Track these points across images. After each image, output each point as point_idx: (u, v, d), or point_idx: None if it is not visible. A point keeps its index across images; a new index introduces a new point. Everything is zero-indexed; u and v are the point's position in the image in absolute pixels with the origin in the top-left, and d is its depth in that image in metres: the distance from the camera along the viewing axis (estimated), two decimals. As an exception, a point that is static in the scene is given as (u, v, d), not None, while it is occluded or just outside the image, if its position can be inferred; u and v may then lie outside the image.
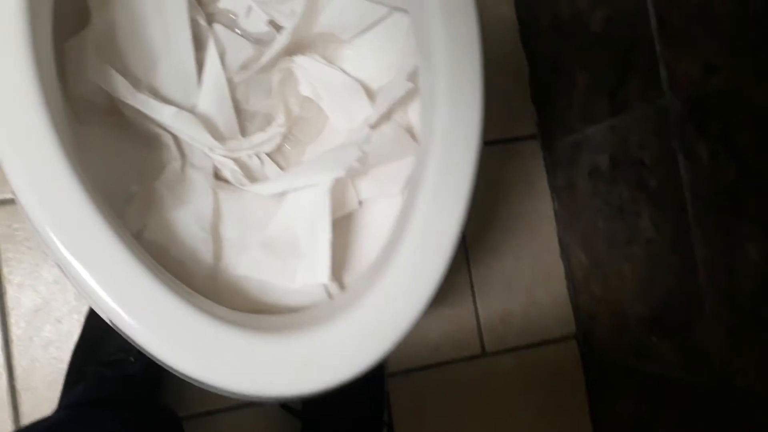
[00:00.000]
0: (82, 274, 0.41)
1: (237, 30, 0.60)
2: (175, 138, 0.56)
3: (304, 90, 0.61)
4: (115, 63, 0.53)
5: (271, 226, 0.55)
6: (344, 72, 0.59)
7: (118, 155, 0.53)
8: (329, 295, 0.52)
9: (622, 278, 0.77)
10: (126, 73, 0.53)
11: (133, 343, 0.44)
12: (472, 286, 0.87)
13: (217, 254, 0.54)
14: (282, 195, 0.56)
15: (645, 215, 0.71)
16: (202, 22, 0.57)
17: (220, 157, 0.57)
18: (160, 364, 0.43)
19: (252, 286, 0.52)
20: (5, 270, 0.72)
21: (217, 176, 0.57)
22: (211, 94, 0.56)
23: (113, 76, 0.51)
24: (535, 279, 0.89)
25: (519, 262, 0.89)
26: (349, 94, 0.59)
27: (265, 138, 0.60)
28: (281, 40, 0.57)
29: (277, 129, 0.59)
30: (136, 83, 0.54)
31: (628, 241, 0.75)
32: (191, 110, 0.56)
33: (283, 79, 0.59)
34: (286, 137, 0.61)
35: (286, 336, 0.42)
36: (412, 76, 0.54)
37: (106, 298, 0.41)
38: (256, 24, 0.59)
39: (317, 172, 0.53)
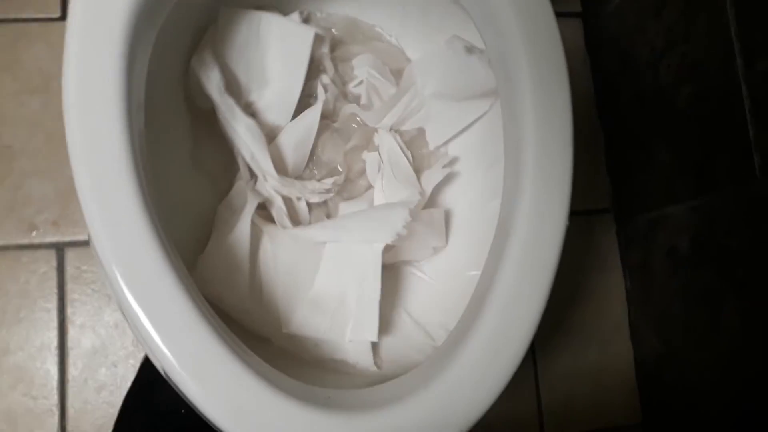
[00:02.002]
0: (151, 335, 0.40)
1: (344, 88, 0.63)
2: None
3: (366, 156, 0.62)
4: (226, 68, 0.56)
5: (317, 280, 0.55)
6: (410, 161, 0.60)
7: (192, 178, 0.54)
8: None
9: (700, 370, 0.72)
10: (232, 82, 0.55)
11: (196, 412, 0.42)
12: (534, 363, 0.83)
13: (257, 295, 0.54)
14: (322, 244, 0.56)
15: (730, 305, 0.66)
16: (325, 67, 0.60)
17: (271, 189, 0.57)
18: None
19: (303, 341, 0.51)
20: (69, 310, 0.72)
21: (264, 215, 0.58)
22: (298, 130, 0.58)
23: (213, 71, 0.54)
24: (602, 360, 0.84)
25: (586, 340, 0.84)
26: (404, 180, 0.59)
27: (318, 188, 0.60)
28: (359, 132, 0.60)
29: (333, 186, 0.59)
30: (237, 93, 0.56)
31: (709, 330, 0.70)
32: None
33: (357, 145, 0.59)
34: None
35: (355, 415, 0.40)
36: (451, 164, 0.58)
37: (168, 354, 0.40)
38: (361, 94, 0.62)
39: (367, 232, 0.54)
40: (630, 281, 0.85)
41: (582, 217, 0.86)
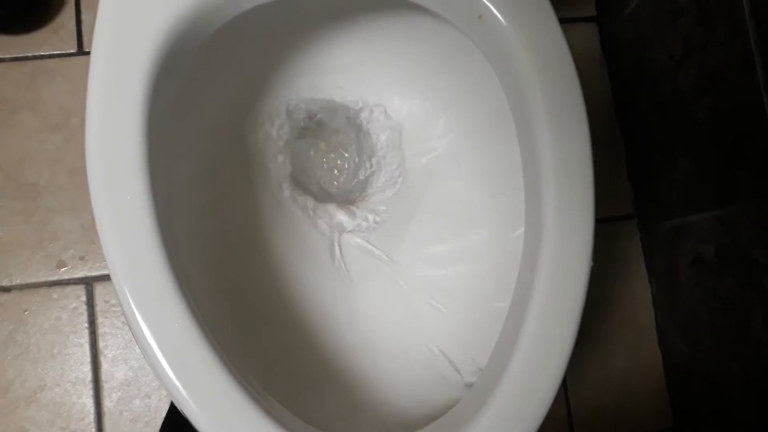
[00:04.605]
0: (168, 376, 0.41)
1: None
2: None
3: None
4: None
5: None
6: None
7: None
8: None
9: (729, 377, 0.72)
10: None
11: None
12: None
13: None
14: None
15: (757, 316, 0.66)
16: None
17: None
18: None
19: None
20: (101, 344, 0.74)
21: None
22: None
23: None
24: (630, 367, 0.84)
25: (614, 347, 0.84)
26: None
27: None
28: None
29: None
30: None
31: (736, 339, 0.69)
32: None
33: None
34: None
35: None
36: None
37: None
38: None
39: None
40: (656, 287, 0.84)
41: (604, 224, 0.86)
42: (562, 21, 0.49)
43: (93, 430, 0.72)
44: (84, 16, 0.80)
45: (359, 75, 0.69)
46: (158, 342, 0.41)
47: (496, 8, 0.47)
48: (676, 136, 0.76)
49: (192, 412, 0.41)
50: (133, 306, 0.41)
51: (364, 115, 0.70)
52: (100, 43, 0.46)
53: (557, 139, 0.45)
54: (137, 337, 0.41)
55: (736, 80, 0.63)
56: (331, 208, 0.67)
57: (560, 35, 0.46)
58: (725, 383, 0.73)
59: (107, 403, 0.73)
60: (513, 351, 0.43)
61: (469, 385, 0.52)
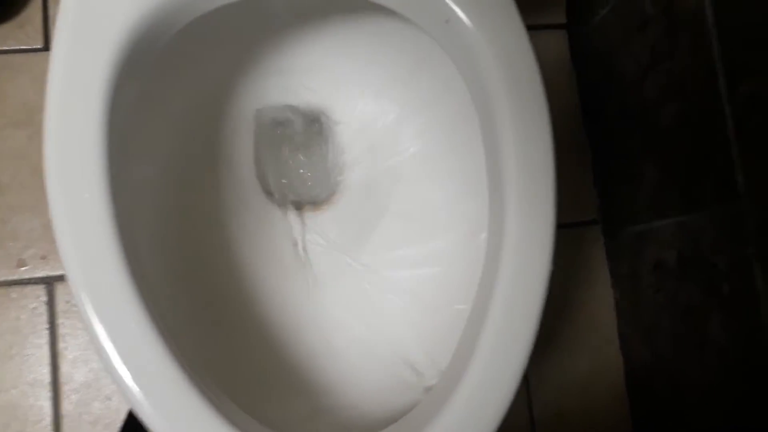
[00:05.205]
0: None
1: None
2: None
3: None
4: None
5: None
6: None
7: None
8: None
9: (691, 381, 0.73)
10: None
11: None
12: (526, 375, 0.83)
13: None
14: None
15: (716, 321, 0.67)
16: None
17: None
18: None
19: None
20: (61, 345, 0.72)
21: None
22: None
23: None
24: (592, 371, 0.85)
25: (577, 352, 0.85)
26: None
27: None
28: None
29: None
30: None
31: (696, 344, 0.71)
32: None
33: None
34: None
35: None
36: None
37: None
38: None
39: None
40: (618, 293, 0.86)
41: (571, 229, 0.87)
42: (532, 28, 0.50)
43: (50, 433, 0.71)
44: (51, 12, 0.78)
45: (329, 77, 0.69)
46: (114, 344, 0.40)
47: (462, 12, 0.48)
48: (642, 144, 0.77)
49: (147, 415, 0.40)
50: (88, 307, 0.40)
51: (332, 116, 0.70)
52: (61, 38, 0.45)
53: (520, 143, 0.46)
54: (93, 339, 0.40)
55: (699, 90, 0.65)
56: (298, 210, 0.66)
57: (525, 39, 0.47)
58: (686, 388, 0.74)
59: (66, 406, 0.71)
60: (472, 354, 0.44)
61: (431, 388, 0.52)
